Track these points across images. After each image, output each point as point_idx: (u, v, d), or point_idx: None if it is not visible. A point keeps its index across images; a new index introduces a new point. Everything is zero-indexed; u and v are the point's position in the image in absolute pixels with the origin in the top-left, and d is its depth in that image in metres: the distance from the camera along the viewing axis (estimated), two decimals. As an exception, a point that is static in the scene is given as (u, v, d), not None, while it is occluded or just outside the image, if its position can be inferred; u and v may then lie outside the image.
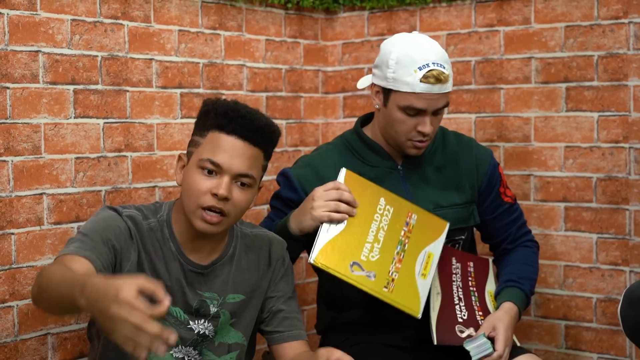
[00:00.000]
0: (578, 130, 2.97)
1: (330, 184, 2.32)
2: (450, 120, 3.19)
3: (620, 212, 2.91)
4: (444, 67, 2.36)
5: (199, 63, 2.90)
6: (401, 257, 2.39)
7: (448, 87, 2.38)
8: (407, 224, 2.43)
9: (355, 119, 3.40)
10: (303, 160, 2.56)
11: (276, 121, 3.19)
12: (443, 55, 2.40)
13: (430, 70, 2.34)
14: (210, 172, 2.07)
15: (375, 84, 2.46)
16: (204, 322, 2.19)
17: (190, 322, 2.18)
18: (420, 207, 2.43)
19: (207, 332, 2.19)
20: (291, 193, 2.49)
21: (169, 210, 2.18)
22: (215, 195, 2.05)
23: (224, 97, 2.98)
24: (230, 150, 2.07)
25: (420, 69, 2.35)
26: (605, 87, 2.91)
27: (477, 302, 2.49)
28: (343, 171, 2.36)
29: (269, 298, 2.30)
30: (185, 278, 2.17)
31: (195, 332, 2.18)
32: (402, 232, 2.41)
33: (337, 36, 3.44)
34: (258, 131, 2.11)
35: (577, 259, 3.00)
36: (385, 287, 2.33)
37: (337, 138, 2.61)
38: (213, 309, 2.20)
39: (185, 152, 2.16)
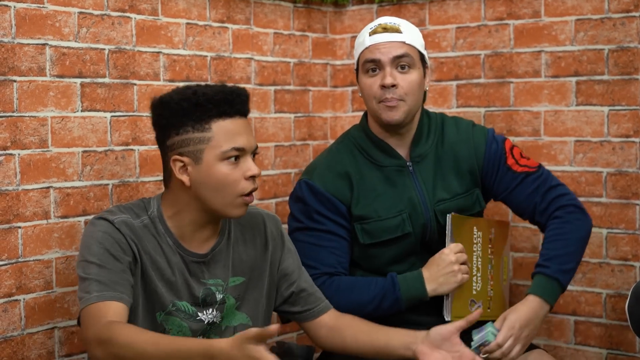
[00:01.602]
0: (588, 124, 2.95)
1: (455, 247, 2.38)
2: (460, 114, 3.17)
3: (631, 207, 2.89)
4: (395, 23, 2.43)
5: (206, 56, 2.89)
6: (492, 274, 2.52)
7: (400, 36, 2.40)
8: (490, 240, 2.52)
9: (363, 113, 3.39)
10: (320, 167, 2.52)
11: (284, 115, 3.20)
12: (402, 20, 2.47)
13: (378, 24, 2.44)
14: (236, 158, 2.09)
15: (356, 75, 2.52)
16: (212, 310, 2.19)
17: (199, 314, 2.18)
18: (491, 219, 2.52)
19: (215, 320, 2.20)
20: (321, 206, 2.46)
21: (158, 206, 2.17)
22: (252, 177, 2.11)
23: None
24: (242, 130, 2.11)
25: (370, 28, 2.45)
26: (615, 81, 2.89)
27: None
28: (449, 217, 2.42)
29: (283, 278, 2.32)
30: (188, 270, 2.16)
31: (205, 322, 2.18)
32: (489, 251, 2.52)
33: (345, 29, 3.43)
34: (247, 102, 2.15)
35: (587, 254, 2.98)
36: (489, 308, 2.48)
37: (345, 137, 2.59)
38: (219, 296, 2.20)
39: (178, 157, 2.08)
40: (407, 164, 2.49)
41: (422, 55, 2.45)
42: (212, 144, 2.08)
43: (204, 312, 2.18)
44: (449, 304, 2.42)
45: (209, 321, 2.19)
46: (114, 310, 1.97)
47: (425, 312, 2.48)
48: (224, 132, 2.08)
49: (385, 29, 2.41)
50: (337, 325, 2.34)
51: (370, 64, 2.41)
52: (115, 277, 2.02)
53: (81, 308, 2.00)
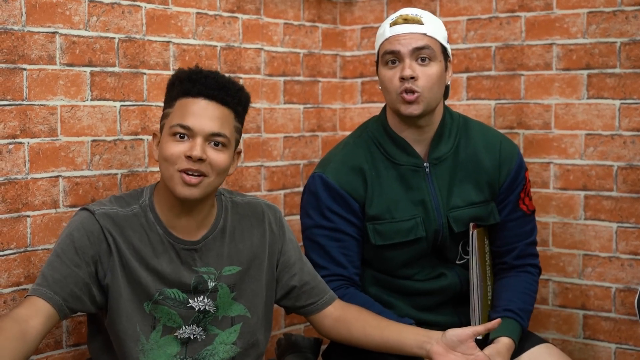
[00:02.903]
0: (599, 117, 2.94)
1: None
2: (470, 107, 3.17)
3: (641, 201, 2.88)
4: (416, 15, 2.39)
5: (216, 46, 2.88)
6: (488, 274, 2.53)
7: (422, 28, 2.36)
8: (485, 244, 2.53)
9: (372, 105, 3.38)
10: (335, 160, 2.48)
11: (294, 106, 3.19)
12: (424, 12, 2.43)
13: (399, 15, 2.40)
14: (182, 136, 2.09)
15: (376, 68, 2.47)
16: (203, 298, 2.19)
17: (190, 301, 2.18)
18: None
19: (207, 308, 2.20)
20: (334, 203, 2.43)
21: (151, 195, 2.19)
22: (189, 157, 2.07)
23: (241, 81, 2.96)
24: (199, 111, 2.10)
25: (391, 19, 2.41)
26: (627, 75, 2.87)
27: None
28: (475, 233, 2.43)
29: (284, 270, 2.32)
30: (179, 257, 2.17)
31: (196, 309, 2.18)
32: (487, 255, 2.52)
33: (355, 21, 3.42)
34: (223, 89, 2.13)
35: (597, 248, 2.97)
36: (488, 311, 2.49)
37: (363, 130, 2.53)
38: (211, 284, 2.20)
39: (155, 130, 2.20)
40: (425, 164, 2.44)
41: (444, 48, 2.40)
42: (169, 119, 2.12)
43: (195, 299, 2.18)
44: (478, 317, 2.44)
45: (199, 308, 2.19)
46: (37, 307, 2.02)
47: (442, 312, 2.48)
48: (181, 109, 2.11)
49: (406, 20, 2.37)
50: (342, 316, 2.33)
51: (389, 56, 2.36)
52: (63, 272, 2.07)
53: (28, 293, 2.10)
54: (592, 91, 2.95)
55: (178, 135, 2.08)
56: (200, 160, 2.07)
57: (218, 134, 2.10)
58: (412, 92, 2.33)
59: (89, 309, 2.13)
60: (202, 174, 2.08)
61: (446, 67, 2.41)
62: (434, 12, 3.21)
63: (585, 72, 2.96)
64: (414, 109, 2.35)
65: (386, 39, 2.38)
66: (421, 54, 2.34)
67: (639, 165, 2.87)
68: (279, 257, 2.31)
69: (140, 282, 2.13)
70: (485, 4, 3.13)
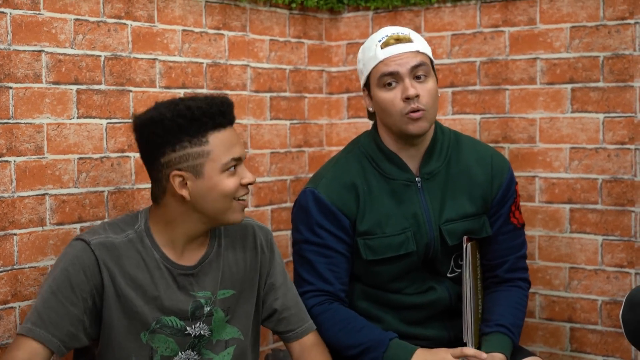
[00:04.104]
0: (583, 131, 2.96)
1: (460, 353, 2.28)
2: (455, 121, 3.18)
3: (626, 213, 2.89)
4: (403, 33, 2.37)
5: (202, 63, 2.89)
6: (479, 288, 2.53)
7: (413, 45, 2.35)
8: (477, 257, 2.53)
9: (358, 120, 3.39)
10: (327, 176, 2.47)
11: (280, 122, 3.20)
12: (407, 28, 2.42)
13: (388, 36, 2.37)
14: (233, 168, 2.12)
15: (363, 90, 2.46)
16: (199, 324, 2.19)
17: (187, 328, 2.18)
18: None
19: (202, 332, 2.19)
20: (324, 218, 2.42)
21: (146, 220, 2.17)
22: (247, 184, 2.15)
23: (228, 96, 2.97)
24: (235, 139, 2.13)
25: (379, 41, 2.38)
26: (611, 88, 2.90)
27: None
28: (469, 246, 2.44)
29: (270, 292, 2.32)
30: (176, 283, 2.16)
31: (192, 335, 2.18)
32: (478, 269, 2.53)
33: (341, 36, 3.43)
34: (233, 110, 2.17)
35: (583, 260, 2.98)
36: (479, 324, 2.49)
37: (354, 145, 2.53)
38: (206, 309, 2.19)
39: (177, 172, 2.09)
40: (416, 179, 2.44)
41: (432, 62, 2.42)
42: (211, 157, 2.09)
43: (192, 325, 2.18)
44: (470, 331, 2.44)
45: (196, 334, 2.19)
46: (32, 349, 2.02)
47: (430, 326, 2.49)
48: (221, 143, 2.09)
49: (398, 40, 2.35)
50: (304, 355, 2.33)
51: (387, 78, 2.34)
52: (59, 311, 2.05)
53: (17, 331, 2.08)
54: (576, 105, 2.97)
55: (232, 168, 2.11)
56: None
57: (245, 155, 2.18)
58: (418, 110, 2.32)
59: (84, 343, 2.12)
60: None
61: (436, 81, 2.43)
62: (418, 28, 3.23)
63: (569, 86, 2.98)
64: (422, 127, 2.35)
65: (380, 62, 2.35)
66: (418, 71, 2.34)
67: (623, 178, 2.89)
68: (266, 279, 2.32)
69: (137, 312, 2.12)
70: (470, 19, 3.15)
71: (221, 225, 2.19)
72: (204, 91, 2.89)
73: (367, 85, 2.42)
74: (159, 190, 2.14)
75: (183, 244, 2.17)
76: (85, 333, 2.10)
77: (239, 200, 2.14)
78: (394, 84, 2.34)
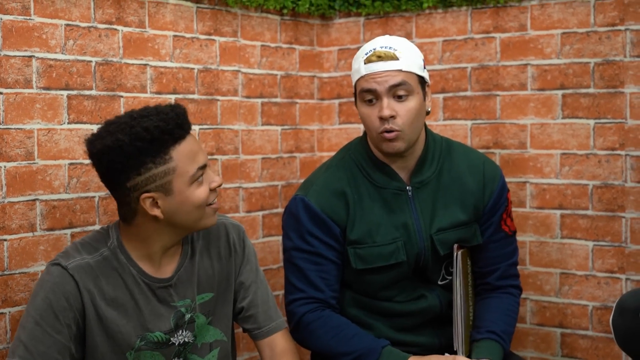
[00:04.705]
0: (574, 137, 2.96)
1: (453, 359, 2.27)
2: (447, 127, 3.18)
3: (617, 219, 2.90)
4: (391, 49, 2.32)
5: (193, 69, 2.89)
6: (470, 295, 2.53)
7: (396, 64, 2.30)
8: (468, 264, 2.53)
9: (350, 126, 3.40)
10: (317, 184, 2.46)
11: (271, 127, 3.20)
12: (398, 42, 2.35)
13: (373, 52, 2.33)
14: (201, 177, 2.11)
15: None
16: (182, 331, 2.18)
17: (171, 339, 2.17)
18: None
19: (186, 340, 2.19)
20: (314, 226, 2.41)
21: (118, 236, 2.15)
22: (215, 189, 2.15)
23: (219, 103, 2.97)
24: (196, 147, 2.11)
25: (365, 54, 2.34)
26: (601, 94, 2.90)
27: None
28: (460, 254, 2.44)
29: (240, 290, 2.32)
30: (156, 297, 2.16)
31: (176, 344, 2.18)
32: (469, 276, 2.53)
33: (332, 42, 3.43)
34: (188, 116, 2.14)
35: (573, 266, 2.99)
36: (470, 331, 2.49)
37: (345, 152, 2.51)
38: (187, 316, 2.19)
39: (147, 195, 2.05)
40: (407, 188, 2.43)
41: (421, 78, 2.36)
42: (178, 172, 2.06)
43: (175, 335, 2.18)
44: (461, 338, 2.45)
45: (180, 342, 2.19)
46: None
47: (421, 333, 2.48)
48: (184, 156, 2.07)
49: (380, 57, 2.31)
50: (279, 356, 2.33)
51: (367, 94, 2.32)
52: (46, 342, 2.03)
53: None
54: (567, 111, 2.97)
55: (200, 179, 2.10)
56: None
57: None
58: (392, 131, 2.31)
59: None
60: None
61: (424, 95, 2.38)
62: (409, 35, 3.24)
63: (560, 92, 2.98)
64: (397, 147, 2.33)
65: (362, 77, 2.34)
66: (398, 91, 2.30)
67: (613, 184, 2.90)
68: (236, 276, 2.32)
69: (120, 332, 2.11)
70: (461, 25, 3.15)
71: (196, 231, 2.20)
72: (195, 97, 2.89)
73: (355, 95, 2.41)
74: (129, 212, 2.10)
75: (160, 256, 2.16)
76: (72, 359, 2.08)
77: (211, 205, 2.14)
78: (374, 101, 2.33)
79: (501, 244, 2.52)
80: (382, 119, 2.30)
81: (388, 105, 2.29)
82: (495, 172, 2.52)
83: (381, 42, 2.36)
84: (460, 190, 2.46)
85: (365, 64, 2.33)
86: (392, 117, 2.29)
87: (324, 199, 2.42)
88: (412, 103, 2.32)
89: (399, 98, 2.31)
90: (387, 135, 2.31)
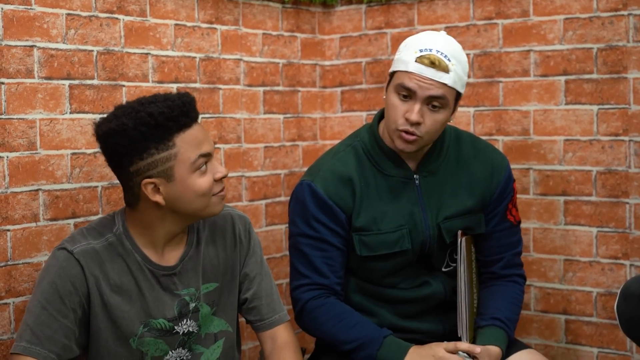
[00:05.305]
0: (577, 123, 2.95)
1: (453, 347, 2.27)
2: (449, 114, 3.18)
3: (620, 205, 2.89)
4: (447, 58, 2.28)
5: (195, 57, 2.88)
6: (474, 282, 2.52)
7: (445, 77, 2.27)
8: (472, 251, 2.53)
9: (352, 114, 3.39)
10: (324, 169, 2.44)
11: (274, 116, 3.20)
12: (455, 51, 2.31)
13: (429, 53, 2.28)
14: (205, 164, 2.10)
15: (389, 75, 2.41)
16: (186, 320, 2.18)
17: (175, 327, 2.17)
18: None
19: (191, 329, 2.19)
20: (320, 212, 2.40)
21: (123, 222, 2.15)
22: (220, 180, 2.13)
23: (221, 91, 2.96)
24: (202, 136, 2.10)
25: (420, 50, 2.29)
26: (604, 80, 2.89)
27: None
28: (464, 240, 2.44)
29: (244, 281, 2.31)
30: (160, 284, 2.16)
31: (181, 333, 2.18)
32: (473, 263, 2.52)
33: (334, 30, 3.42)
34: (196, 106, 2.13)
35: (577, 252, 2.98)
36: (475, 318, 2.49)
37: (353, 139, 2.50)
38: (192, 305, 2.19)
39: (148, 180, 2.06)
40: (415, 176, 2.43)
41: (458, 94, 2.34)
42: (179, 158, 2.06)
43: (180, 324, 2.18)
44: (465, 324, 2.44)
45: (184, 332, 2.18)
46: None
47: (425, 320, 2.48)
48: (187, 143, 2.06)
49: (433, 64, 2.26)
50: (274, 354, 2.31)
51: (404, 90, 2.29)
52: (52, 326, 2.04)
53: (11, 351, 2.05)
54: (570, 97, 2.97)
55: (203, 166, 2.09)
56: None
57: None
58: (413, 134, 2.30)
59: (76, 354, 2.10)
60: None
61: (454, 110, 2.36)
62: (412, 21, 3.23)
63: (563, 78, 2.98)
64: (410, 148, 2.33)
65: (407, 72, 2.29)
66: (434, 101, 2.29)
67: (617, 169, 2.89)
68: (241, 268, 2.31)
69: (124, 318, 2.11)
70: (463, 11, 3.14)
71: (201, 219, 2.20)
72: (197, 85, 2.88)
73: (391, 74, 2.36)
74: (133, 197, 2.11)
75: (163, 244, 2.16)
76: (77, 343, 2.09)
77: (217, 194, 2.13)
78: (407, 98, 2.30)
79: (506, 234, 2.52)
80: (407, 120, 2.29)
81: (419, 111, 2.28)
82: (503, 162, 2.52)
83: (439, 46, 2.30)
84: (468, 178, 2.46)
85: (416, 61, 2.28)
86: (418, 123, 2.29)
87: (331, 185, 2.41)
88: (441, 115, 2.31)
89: (432, 107, 2.30)
90: (405, 135, 2.30)
